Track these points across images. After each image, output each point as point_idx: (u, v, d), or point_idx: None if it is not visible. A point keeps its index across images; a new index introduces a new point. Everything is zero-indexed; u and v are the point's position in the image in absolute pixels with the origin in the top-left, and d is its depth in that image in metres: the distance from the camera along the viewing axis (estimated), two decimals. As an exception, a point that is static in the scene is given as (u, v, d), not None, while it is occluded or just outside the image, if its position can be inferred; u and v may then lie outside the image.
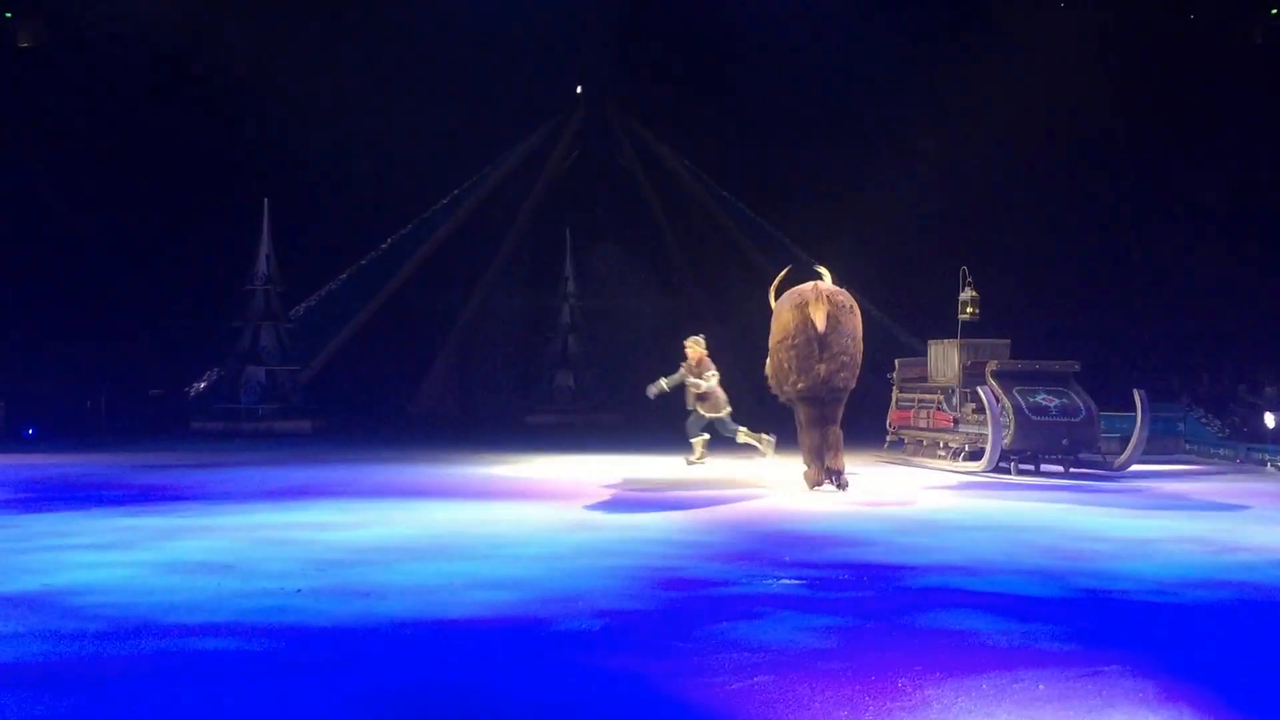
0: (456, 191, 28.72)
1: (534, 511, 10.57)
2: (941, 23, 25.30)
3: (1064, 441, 14.18)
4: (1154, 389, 18.68)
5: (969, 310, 15.24)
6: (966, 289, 15.37)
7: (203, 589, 6.94)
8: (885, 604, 6.57)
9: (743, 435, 14.89)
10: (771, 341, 12.60)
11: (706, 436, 15.09)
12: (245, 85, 24.48)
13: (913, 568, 7.67)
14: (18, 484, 13.04)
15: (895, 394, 17.00)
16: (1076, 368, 14.58)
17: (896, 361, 17.26)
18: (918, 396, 16.35)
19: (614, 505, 11.19)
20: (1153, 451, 16.52)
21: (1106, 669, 5.15)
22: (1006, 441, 14.07)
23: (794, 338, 12.15)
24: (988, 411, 14.09)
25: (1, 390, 21.01)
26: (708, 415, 14.87)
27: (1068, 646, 5.57)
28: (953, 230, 24.17)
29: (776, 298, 13.10)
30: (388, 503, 11.29)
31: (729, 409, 14.88)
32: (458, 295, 28.28)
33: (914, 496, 12.09)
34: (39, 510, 10.59)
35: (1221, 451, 16.99)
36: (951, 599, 6.66)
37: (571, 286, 26.76)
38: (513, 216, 29.23)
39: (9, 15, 24.81)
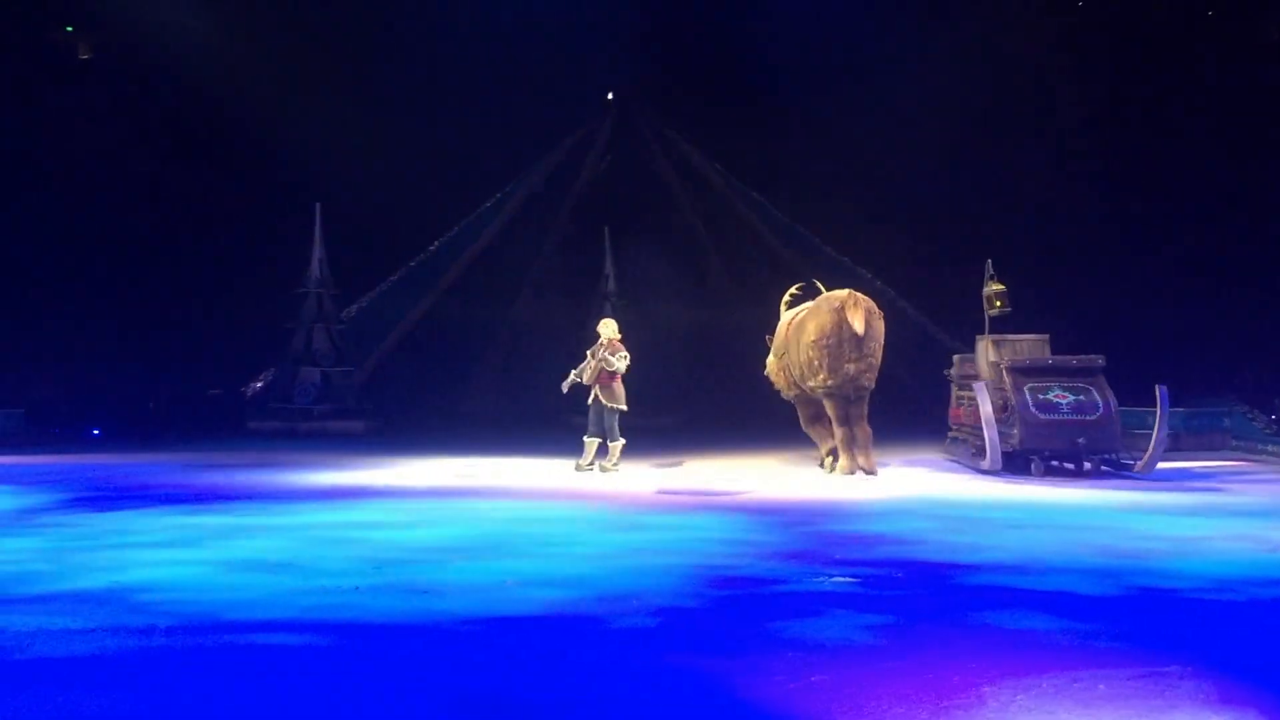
0: (498, 195, 28.88)
1: (585, 511, 10.59)
2: (970, 13, 25.01)
3: (1079, 441, 13.27)
4: (1198, 384, 18.41)
5: (997, 304, 14.74)
6: (990, 282, 14.97)
7: (263, 586, 7.00)
8: (939, 602, 6.51)
9: (616, 446, 14.16)
10: (804, 340, 13.76)
11: (599, 440, 14.27)
12: (296, 92, 24.72)
13: (966, 566, 7.60)
14: (85, 483, 13.23)
15: (954, 391, 16.80)
16: (1100, 362, 13.59)
17: (955, 358, 16.99)
18: (968, 394, 16.18)
19: (665, 504, 11.18)
20: (1199, 448, 16.26)
21: (1166, 669, 5.07)
22: (1015, 441, 13.51)
23: (829, 338, 13.43)
24: (980, 409, 13.64)
25: (70, 392, 21.38)
26: (607, 403, 14.18)
27: (1126, 646, 5.49)
28: (987, 223, 23.99)
29: (787, 309, 15.01)
30: (440, 502, 11.34)
31: (625, 407, 14.27)
32: (504, 297, 28.37)
33: (966, 495, 11.97)
34: (105, 509, 10.73)
35: (1270, 448, 16.68)
36: (1006, 598, 6.59)
37: (612, 285, 26.29)
38: (551, 221, 29.32)
39: (70, 29, 25.18)
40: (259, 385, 24.07)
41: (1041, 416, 13.41)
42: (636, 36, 27.26)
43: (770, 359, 15.23)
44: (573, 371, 14.47)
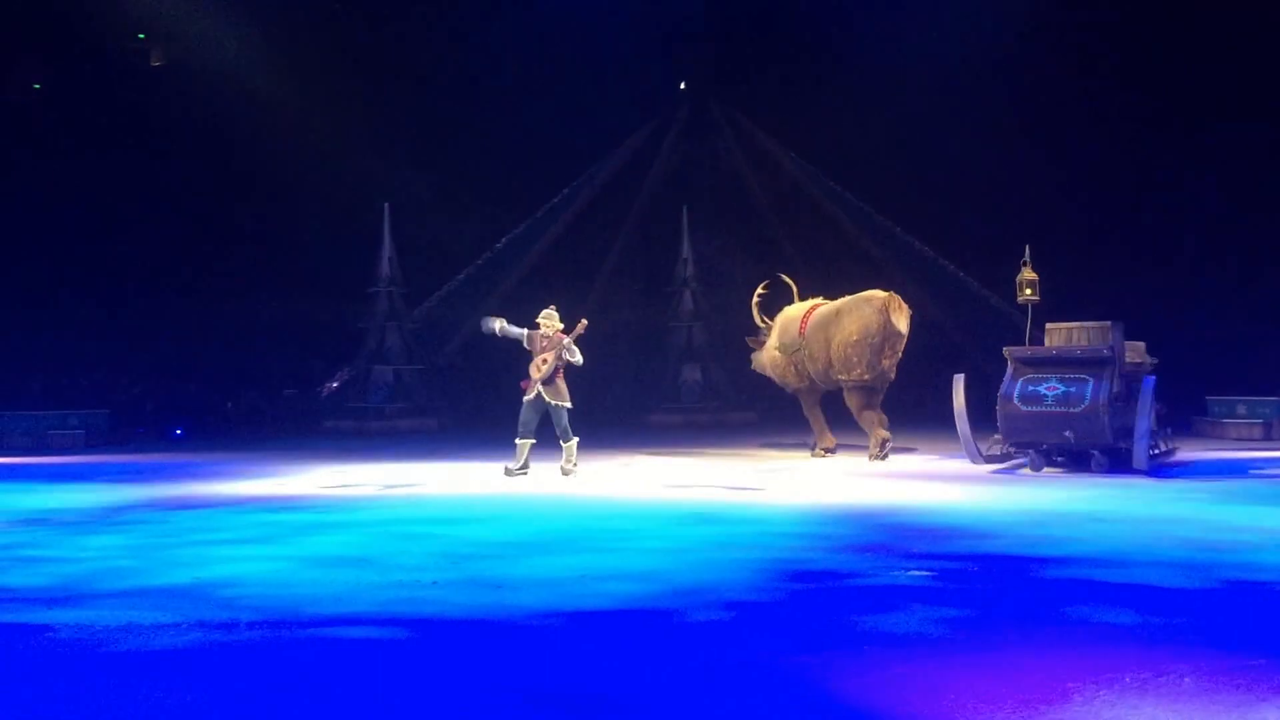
0: (566, 190, 28.92)
1: (657, 505, 10.58)
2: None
3: (1066, 434, 12.77)
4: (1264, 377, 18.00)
5: (1027, 292, 14.49)
6: (1024, 269, 14.69)
7: (342, 581, 7.09)
8: (1018, 596, 6.41)
9: (572, 445, 13.32)
10: (840, 338, 14.75)
11: (531, 442, 13.43)
12: (364, 91, 25.02)
13: (1044, 559, 7.48)
14: (169, 481, 13.50)
15: None
16: (1106, 352, 12.93)
17: (1006, 350, 16.72)
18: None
19: (735, 499, 11.14)
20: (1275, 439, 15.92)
21: (1255, 662, 4.94)
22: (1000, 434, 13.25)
23: (874, 337, 14.51)
24: (954, 402, 13.52)
25: (153, 393, 21.87)
26: (554, 401, 13.14)
27: (1213, 639, 5.36)
28: (1061, 210, 23.60)
29: (761, 308, 16.22)
30: (513, 497, 11.41)
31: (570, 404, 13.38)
32: (577, 289, 28.37)
33: (1038, 487, 11.78)
34: (188, 507, 10.95)
35: None
36: (1087, 591, 6.47)
37: (691, 270, 25.19)
38: (623, 213, 29.28)
39: (141, 36, 25.69)
40: (334, 385, 24.41)
41: (1023, 408, 13.00)
42: (709, 24, 27.20)
43: (768, 354, 16.00)
44: (505, 321, 13.32)
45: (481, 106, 26.01)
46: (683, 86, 30.05)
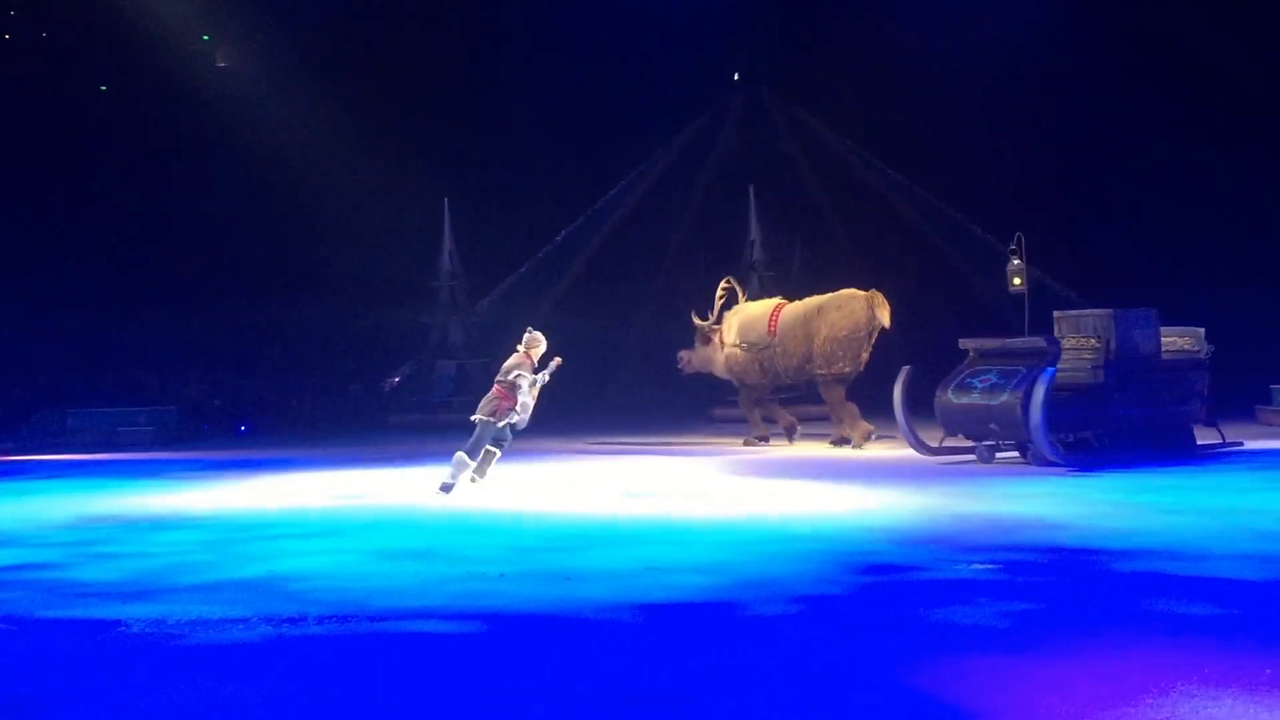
0: (623, 182, 28.88)
1: (720, 499, 10.55)
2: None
3: (991, 426, 12.44)
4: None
5: (1015, 282, 14.38)
6: (1013, 258, 14.44)
7: (410, 574, 7.16)
8: (1087, 589, 6.33)
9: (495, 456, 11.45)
10: (826, 333, 15.33)
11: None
12: (422, 85, 25.21)
13: (1113, 552, 7.37)
14: (235, 477, 13.70)
15: None
16: (1041, 343, 12.57)
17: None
18: None
19: (798, 491, 11.07)
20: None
21: (1337, 655, 4.84)
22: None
23: (860, 331, 15.25)
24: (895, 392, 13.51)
25: (219, 390, 22.23)
26: (498, 421, 11.41)
27: (1292, 632, 5.26)
28: (1123, 195, 23.23)
29: (718, 308, 16.38)
30: (576, 490, 11.43)
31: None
32: (640, 280, 28.23)
33: (1109, 479, 11.56)
34: (255, 502, 11.10)
35: None
36: (1160, 584, 6.37)
37: (758, 253, 23.61)
38: (684, 202, 29.14)
39: (206, 37, 26.04)
40: (397, 379, 24.58)
41: (954, 400, 12.78)
42: (762, 14, 27.01)
43: (727, 351, 16.27)
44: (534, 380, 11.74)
45: (538, 101, 26.09)
46: (736, 77, 29.91)
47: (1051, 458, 12.16)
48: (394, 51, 25.39)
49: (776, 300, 16.66)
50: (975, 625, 5.55)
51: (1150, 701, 4.34)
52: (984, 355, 13.07)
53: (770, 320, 15.97)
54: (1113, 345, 12.76)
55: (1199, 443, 13.31)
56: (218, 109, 24.90)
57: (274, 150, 24.94)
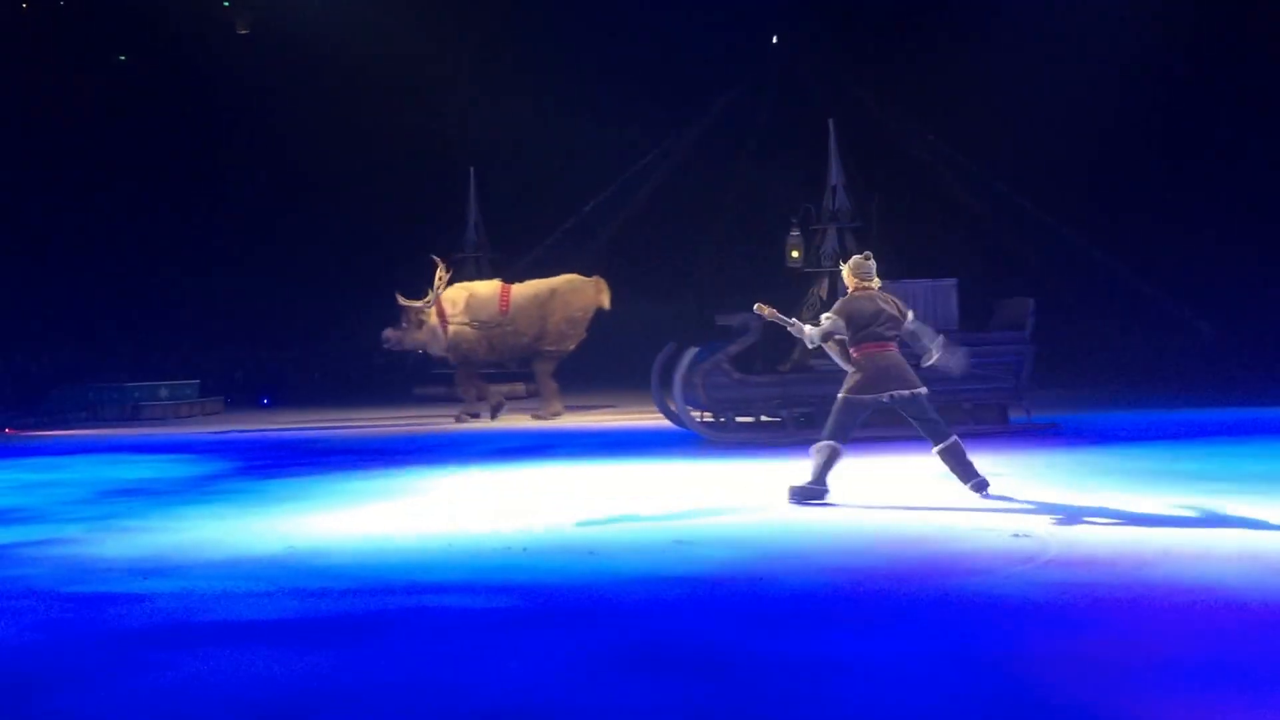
0: (655, 151, 28.77)
1: (748, 474, 10.59)
2: None
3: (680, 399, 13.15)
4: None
5: (793, 254, 14.90)
6: (793, 230, 14.87)
7: (434, 548, 7.23)
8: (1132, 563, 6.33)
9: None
10: (566, 314, 17.20)
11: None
12: (446, 57, 25.19)
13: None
14: (257, 449, 13.87)
15: None
16: (734, 322, 13.05)
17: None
18: None
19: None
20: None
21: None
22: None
23: (589, 313, 17.30)
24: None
25: (240, 363, 22.42)
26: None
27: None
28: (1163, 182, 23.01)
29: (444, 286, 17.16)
30: (600, 461, 11.50)
31: None
32: (687, 251, 28.06)
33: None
34: (278, 475, 11.23)
35: None
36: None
37: (842, 201, 21.81)
38: (720, 170, 28.97)
39: (226, 4, 26.11)
40: (421, 352, 24.77)
41: (688, 376, 13.05)
42: None
43: (454, 329, 17.16)
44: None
45: (570, 64, 26.01)
46: (774, 40, 29.73)
47: (692, 428, 13.06)
48: (424, 21, 25.33)
49: (497, 282, 17.99)
50: (1008, 596, 5.56)
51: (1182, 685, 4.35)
52: (720, 332, 13.45)
53: (502, 300, 17.28)
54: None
55: (1012, 420, 13.01)
56: (235, 77, 25.00)
57: (294, 120, 25.05)
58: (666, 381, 13.28)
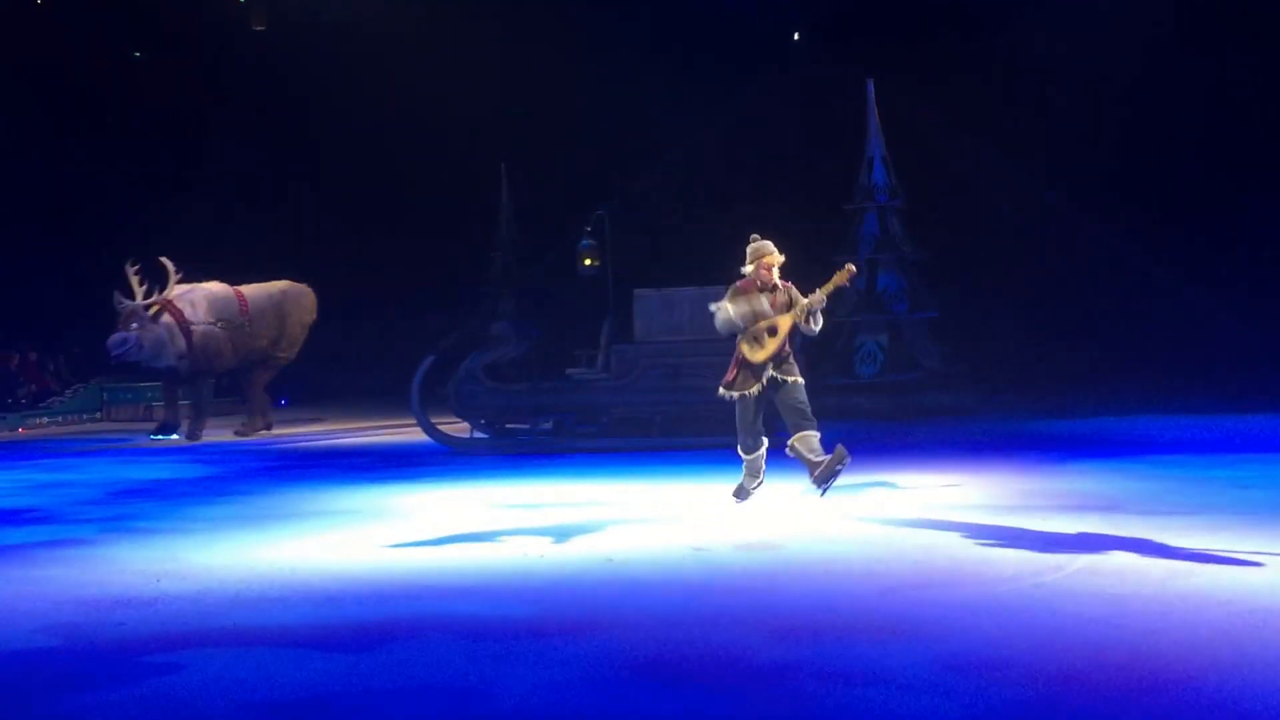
0: (678, 148, 28.77)
1: (769, 485, 10.56)
2: None
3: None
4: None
5: (586, 261, 15.12)
6: (587, 237, 15.06)
7: (450, 556, 7.27)
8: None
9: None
10: (302, 320, 17.31)
11: None
12: (474, 50, 25.28)
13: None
14: (274, 454, 13.98)
15: None
16: (496, 330, 14.06)
17: None
18: None
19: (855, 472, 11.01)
20: None
21: None
22: None
23: (312, 320, 17.57)
24: None
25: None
26: None
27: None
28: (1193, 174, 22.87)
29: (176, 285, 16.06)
30: (623, 473, 11.46)
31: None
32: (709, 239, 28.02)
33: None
34: (296, 479, 11.32)
35: None
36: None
37: (890, 177, 19.47)
38: (745, 168, 28.96)
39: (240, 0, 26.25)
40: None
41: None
42: None
43: (202, 331, 15.99)
44: None
45: (592, 61, 26.08)
46: (796, 37, 29.71)
47: (431, 435, 13.50)
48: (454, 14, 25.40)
49: (222, 284, 16.79)
50: (1029, 599, 5.58)
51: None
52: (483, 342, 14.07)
53: (240, 300, 16.56)
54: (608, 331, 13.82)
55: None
56: (260, 74, 25.19)
57: (322, 117, 25.23)
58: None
